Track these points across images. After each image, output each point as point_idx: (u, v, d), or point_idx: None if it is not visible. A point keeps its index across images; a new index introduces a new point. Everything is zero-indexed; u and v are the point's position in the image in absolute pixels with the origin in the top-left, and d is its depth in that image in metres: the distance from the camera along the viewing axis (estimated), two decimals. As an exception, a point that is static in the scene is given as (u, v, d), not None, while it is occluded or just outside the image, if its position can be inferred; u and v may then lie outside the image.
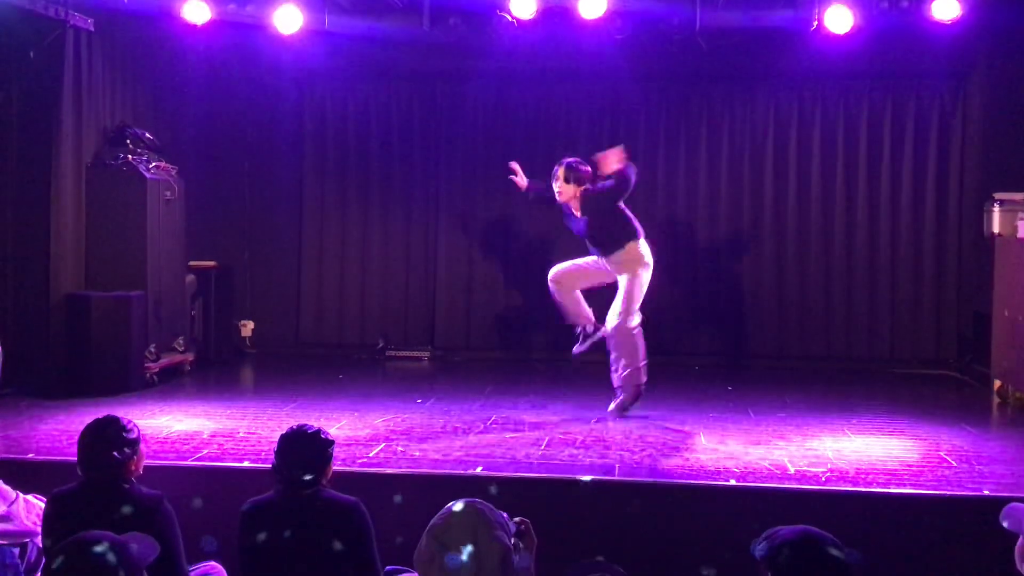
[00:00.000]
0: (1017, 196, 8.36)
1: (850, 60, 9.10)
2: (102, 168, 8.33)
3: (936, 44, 8.79)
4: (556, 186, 7.39)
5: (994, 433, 7.10)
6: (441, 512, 2.79)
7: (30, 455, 5.82)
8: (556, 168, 7.37)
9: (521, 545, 3.18)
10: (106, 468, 3.98)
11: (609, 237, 7.32)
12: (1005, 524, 3.22)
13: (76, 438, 4.10)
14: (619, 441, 6.34)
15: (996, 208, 8.47)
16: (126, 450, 4.02)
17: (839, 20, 7.93)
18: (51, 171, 7.96)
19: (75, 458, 4.08)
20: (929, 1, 7.77)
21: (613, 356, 7.27)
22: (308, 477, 4.01)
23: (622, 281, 7.26)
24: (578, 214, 7.39)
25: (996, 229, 8.45)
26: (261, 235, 10.51)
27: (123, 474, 4.01)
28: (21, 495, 3.76)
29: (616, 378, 7.28)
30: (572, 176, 7.33)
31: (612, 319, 7.23)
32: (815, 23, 7.99)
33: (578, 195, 7.34)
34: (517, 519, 2.93)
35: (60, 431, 6.39)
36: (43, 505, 3.82)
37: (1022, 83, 9.20)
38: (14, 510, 3.70)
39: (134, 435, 4.11)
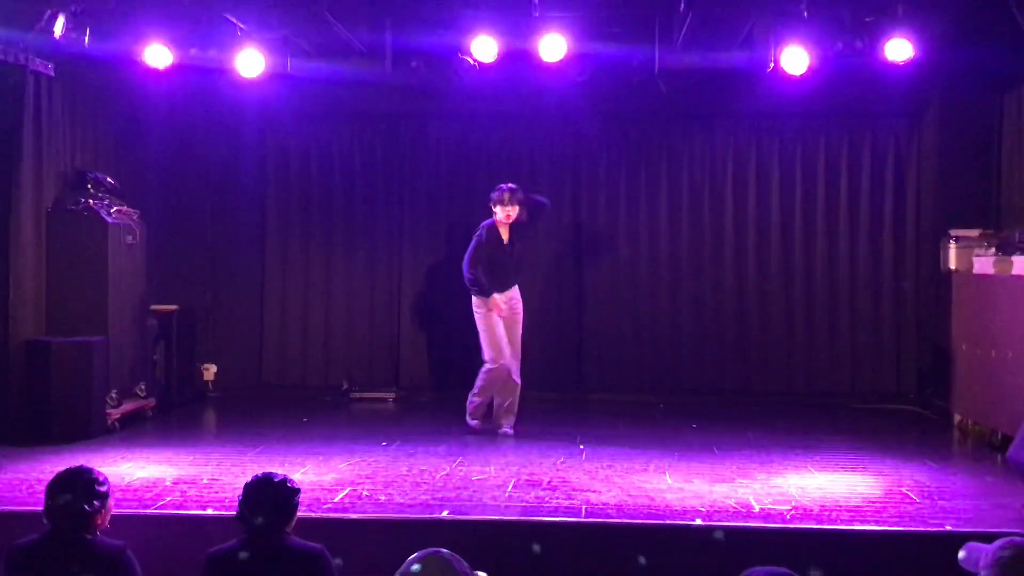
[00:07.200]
0: (972, 232, 8.49)
1: (807, 99, 9.22)
2: (63, 213, 8.27)
3: (891, 84, 8.93)
4: (508, 212, 8.03)
5: (955, 468, 7.16)
6: (408, 561, 2.79)
7: (-11, 505, 5.73)
8: (510, 192, 8.08)
9: None
10: (74, 520, 3.95)
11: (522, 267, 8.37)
12: (963, 564, 3.24)
13: (35, 487, 4.07)
14: (585, 482, 6.35)
15: (952, 244, 8.60)
16: (96, 503, 3.99)
17: (795, 61, 8.03)
18: (11, 216, 7.87)
19: (34, 508, 4.04)
20: (883, 42, 7.90)
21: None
22: (273, 526, 3.99)
23: (517, 317, 8.15)
24: (505, 239, 8.13)
25: (952, 265, 8.58)
26: (224, 278, 10.45)
27: (89, 527, 3.97)
28: None
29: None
30: (518, 199, 8.13)
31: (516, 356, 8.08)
32: (771, 64, 8.10)
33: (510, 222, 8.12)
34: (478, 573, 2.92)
35: (19, 480, 6.25)
36: None
37: (974, 122, 9.37)
38: None
39: (105, 488, 4.08)
